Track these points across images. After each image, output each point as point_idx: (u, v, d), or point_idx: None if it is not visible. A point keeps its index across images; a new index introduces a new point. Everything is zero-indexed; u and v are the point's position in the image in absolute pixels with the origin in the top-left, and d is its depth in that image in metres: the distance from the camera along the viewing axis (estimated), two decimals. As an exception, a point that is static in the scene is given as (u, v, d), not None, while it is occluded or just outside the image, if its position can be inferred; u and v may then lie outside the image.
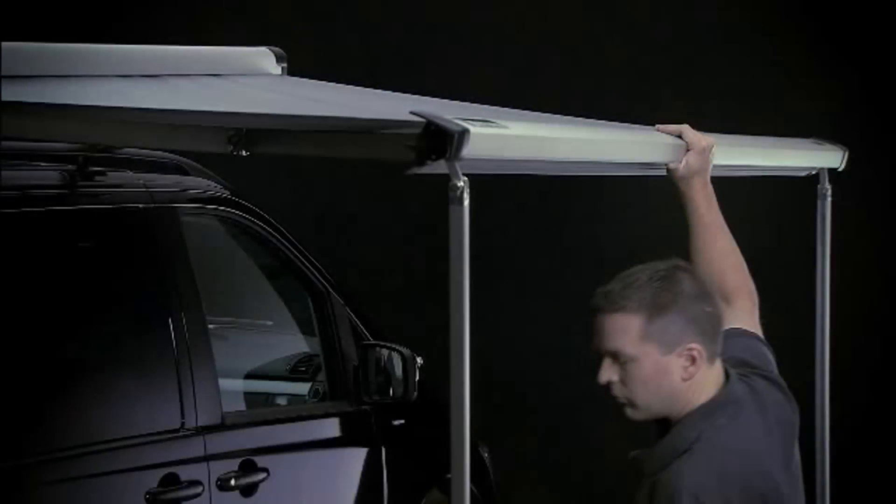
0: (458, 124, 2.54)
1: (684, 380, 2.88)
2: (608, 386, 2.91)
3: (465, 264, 2.57)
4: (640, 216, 6.66)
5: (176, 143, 3.24)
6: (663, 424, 2.95)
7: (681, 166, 3.29)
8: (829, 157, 3.98)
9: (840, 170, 4.02)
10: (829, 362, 3.95)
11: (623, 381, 2.89)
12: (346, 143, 2.84)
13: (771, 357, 3.17)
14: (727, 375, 2.96)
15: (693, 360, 2.87)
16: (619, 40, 7.10)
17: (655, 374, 2.88)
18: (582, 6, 7.20)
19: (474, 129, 2.56)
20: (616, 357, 2.88)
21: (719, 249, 3.26)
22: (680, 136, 3.32)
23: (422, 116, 2.57)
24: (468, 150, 2.55)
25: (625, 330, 2.87)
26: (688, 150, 3.30)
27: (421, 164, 2.58)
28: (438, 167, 2.59)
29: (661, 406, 2.91)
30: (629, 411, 2.93)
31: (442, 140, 2.55)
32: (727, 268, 3.25)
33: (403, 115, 2.62)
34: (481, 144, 2.59)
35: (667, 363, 2.87)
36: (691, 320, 2.87)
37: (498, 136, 2.69)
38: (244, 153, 3.05)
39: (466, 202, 2.56)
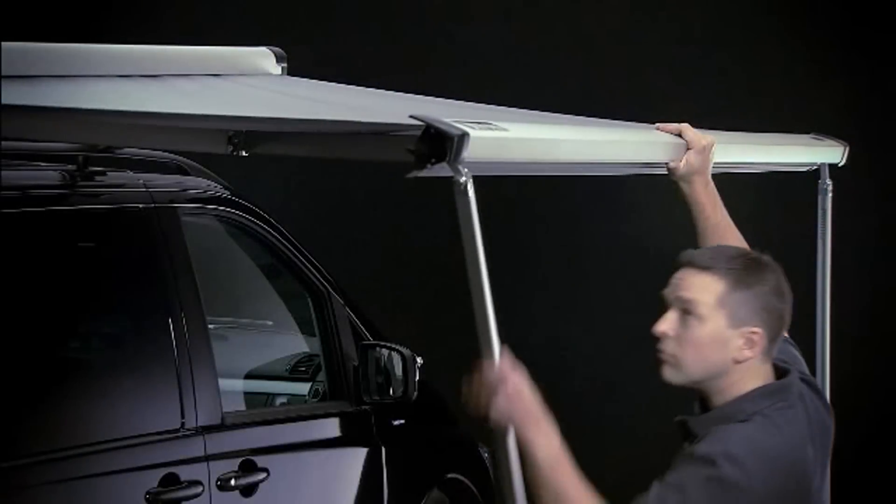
0: (457, 128, 2.54)
1: (735, 361, 2.89)
2: (660, 339, 2.91)
3: (479, 254, 2.58)
4: (648, 216, 6.65)
5: (176, 144, 3.25)
6: (704, 404, 2.95)
7: (681, 165, 3.30)
8: (829, 153, 3.99)
9: (840, 165, 4.03)
10: (830, 359, 3.96)
11: (679, 338, 2.90)
12: (347, 145, 2.84)
13: (800, 357, 3.17)
14: (781, 373, 2.97)
15: (752, 344, 2.88)
16: (619, 39, 7.10)
17: (713, 342, 2.88)
18: (582, 5, 7.20)
19: (474, 132, 2.56)
20: (686, 310, 2.89)
21: None
22: (680, 135, 3.33)
23: (421, 120, 2.56)
24: (468, 153, 2.55)
25: (706, 288, 2.88)
26: (688, 149, 3.31)
27: (421, 167, 2.59)
28: (439, 170, 2.59)
29: (702, 376, 2.91)
30: (668, 371, 2.92)
31: (441, 143, 2.55)
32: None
33: (403, 119, 2.62)
34: (481, 147, 2.59)
35: (727, 337, 2.88)
36: (764, 309, 2.88)
37: (498, 138, 2.68)
38: (244, 154, 3.05)
39: (471, 193, 2.56)
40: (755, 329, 2.88)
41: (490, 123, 2.68)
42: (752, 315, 2.88)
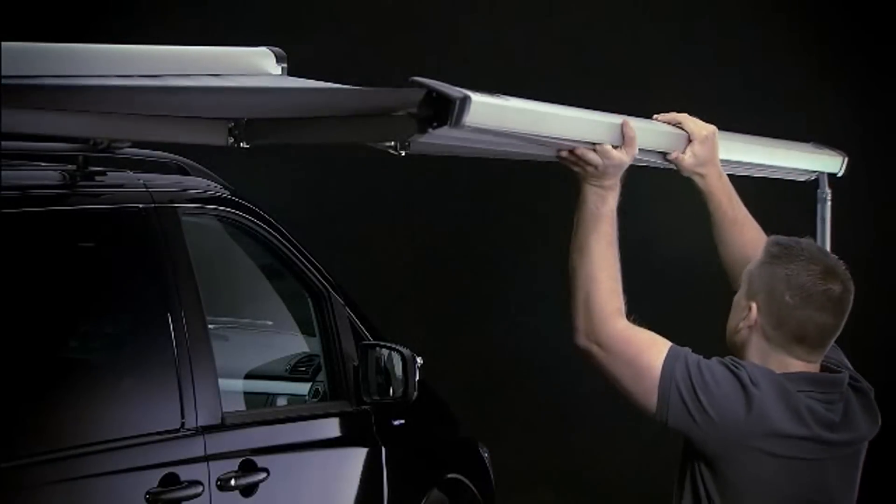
0: (459, 91, 2.55)
1: (736, 329, 3.01)
2: None
3: None
4: (647, 213, 6.65)
5: (176, 136, 3.22)
6: None
7: (686, 157, 3.28)
8: (829, 162, 4.01)
9: (839, 175, 4.04)
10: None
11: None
12: (348, 128, 2.84)
13: (841, 353, 3.19)
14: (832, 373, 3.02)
15: (747, 317, 2.98)
16: (618, 40, 7.10)
17: (735, 305, 3.05)
18: (581, 5, 7.21)
19: (476, 96, 2.57)
20: None
21: (748, 242, 3.27)
22: (680, 127, 3.31)
23: (423, 85, 2.57)
24: (469, 119, 2.56)
25: (753, 261, 3.03)
26: (690, 141, 3.29)
27: (423, 131, 2.59)
28: (440, 136, 2.60)
29: (728, 336, 3.06)
30: None
31: (444, 106, 2.56)
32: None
33: (405, 88, 2.62)
34: (482, 112, 2.60)
35: (741, 304, 3.02)
36: (768, 290, 2.96)
37: (498, 105, 2.69)
38: (244, 145, 3.04)
39: None
40: (752, 303, 2.97)
41: (491, 93, 2.70)
42: (758, 291, 2.97)
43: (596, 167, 2.97)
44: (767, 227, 3.36)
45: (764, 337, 2.96)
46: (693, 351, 2.96)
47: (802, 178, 4.04)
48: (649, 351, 2.89)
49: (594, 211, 2.95)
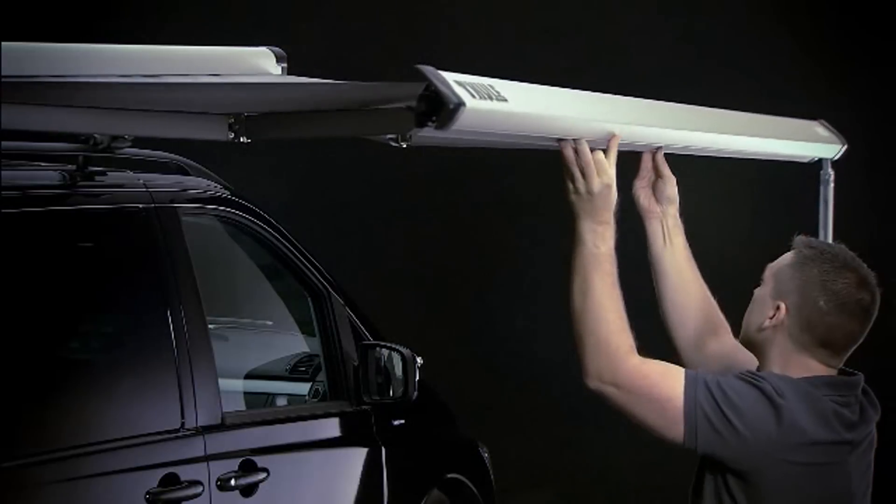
0: (456, 95, 2.54)
1: (760, 328, 2.98)
2: None
3: None
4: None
5: (177, 132, 3.23)
6: None
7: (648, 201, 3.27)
8: (825, 148, 3.98)
9: (834, 160, 4.03)
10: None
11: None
12: (348, 121, 2.83)
13: None
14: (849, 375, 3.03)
15: (774, 316, 2.96)
16: (620, 31, 7.10)
17: (757, 303, 3.02)
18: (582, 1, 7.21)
19: (470, 102, 2.56)
20: None
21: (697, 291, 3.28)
22: (657, 171, 3.29)
23: (426, 75, 2.56)
24: (460, 125, 2.55)
25: (780, 260, 3.03)
26: (658, 177, 3.27)
27: (421, 125, 2.59)
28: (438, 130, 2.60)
29: (745, 334, 3.04)
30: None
31: (438, 109, 2.55)
32: (710, 301, 3.27)
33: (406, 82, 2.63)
34: (473, 120, 2.59)
35: (766, 303, 2.99)
36: (801, 292, 2.95)
37: (495, 111, 2.68)
38: (245, 140, 3.04)
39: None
40: (781, 303, 2.95)
41: (493, 90, 2.68)
42: (789, 291, 2.96)
43: (575, 164, 2.91)
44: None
45: (789, 338, 2.96)
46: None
47: (805, 161, 4.01)
48: (665, 381, 2.86)
49: (594, 251, 2.91)
